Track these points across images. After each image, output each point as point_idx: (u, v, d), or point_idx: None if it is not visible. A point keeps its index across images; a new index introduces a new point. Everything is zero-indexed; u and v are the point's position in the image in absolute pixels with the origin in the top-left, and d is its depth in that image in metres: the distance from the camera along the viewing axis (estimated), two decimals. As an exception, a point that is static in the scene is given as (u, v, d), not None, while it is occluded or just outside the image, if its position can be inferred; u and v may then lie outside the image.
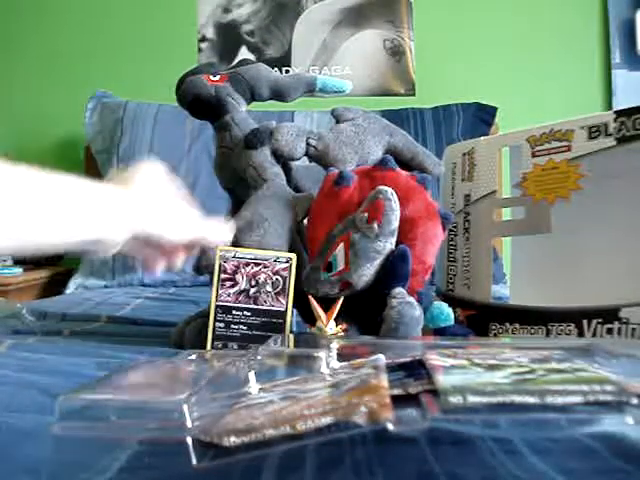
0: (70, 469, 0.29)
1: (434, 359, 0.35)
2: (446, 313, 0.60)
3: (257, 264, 0.58)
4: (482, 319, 0.66)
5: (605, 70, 1.92)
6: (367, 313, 0.57)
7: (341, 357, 0.38)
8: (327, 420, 0.27)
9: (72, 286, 1.39)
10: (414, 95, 1.93)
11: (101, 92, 1.73)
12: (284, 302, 0.58)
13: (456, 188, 0.72)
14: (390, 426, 0.26)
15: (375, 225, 0.56)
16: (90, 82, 1.81)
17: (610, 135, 0.59)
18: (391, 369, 0.35)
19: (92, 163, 1.73)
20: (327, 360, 0.36)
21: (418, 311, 0.55)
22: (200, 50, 1.94)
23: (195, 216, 0.56)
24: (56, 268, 1.63)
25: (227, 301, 0.58)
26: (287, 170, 0.71)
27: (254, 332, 0.58)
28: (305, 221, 0.66)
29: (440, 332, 0.59)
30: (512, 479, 0.27)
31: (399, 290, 0.56)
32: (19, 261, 1.56)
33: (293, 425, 0.27)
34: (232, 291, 0.58)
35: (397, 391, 0.31)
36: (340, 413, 0.27)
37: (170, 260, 0.58)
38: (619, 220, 0.59)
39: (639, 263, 0.57)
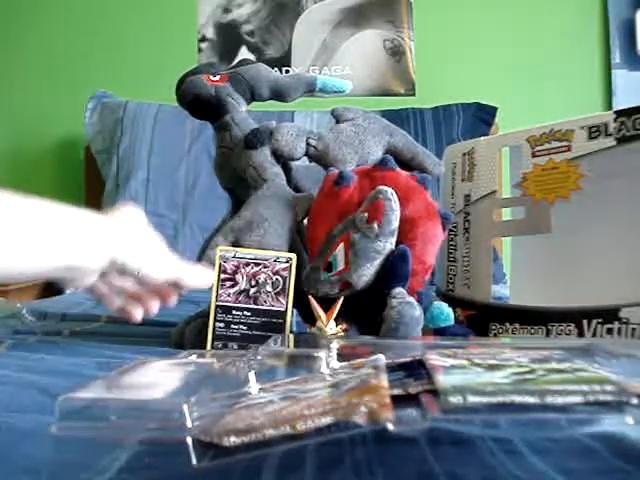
0: (70, 469, 0.29)
1: (434, 359, 0.35)
2: (446, 313, 0.60)
3: (257, 264, 0.58)
4: (482, 319, 0.66)
5: (605, 70, 1.92)
6: (367, 313, 0.57)
7: (341, 357, 0.38)
8: (327, 420, 0.27)
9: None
10: (414, 95, 1.93)
11: (101, 92, 1.73)
12: (284, 302, 0.58)
13: (456, 188, 0.72)
14: (390, 426, 0.26)
15: (375, 225, 0.56)
16: (90, 82, 1.81)
17: (610, 135, 0.59)
18: (391, 369, 0.35)
19: (92, 163, 1.74)
20: (327, 360, 0.36)
21: (418, 311, 0.56)
22: (200, 50, 1.94)
23: (174, 257, 0.54)
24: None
25: (227, 301, 0.58)
26: (287, 170, 0.71)
27: (254, 332, 0.58)
28: (305, 221, 0.66)
29: (440, 332, 0.59)
30: (512, 479, 0.27)
31: (399, 290, 0.56)
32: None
33: (293, 425, 0.27)
34: (232, 291, 0.58)
35: (397, 391, 0.31)
36: (340, 413, 0.27)
37: (145, 303, 0.55)
38: (619, 220, 0.59)
39: (639, 263, 0.57)
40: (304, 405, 0.29)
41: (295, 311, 0.64)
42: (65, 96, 1.88)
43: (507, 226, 0.69)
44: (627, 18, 1.92)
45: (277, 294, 0.58)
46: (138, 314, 0.56)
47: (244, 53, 1.94)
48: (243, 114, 0.72)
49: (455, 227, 0.71)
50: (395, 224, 0.57)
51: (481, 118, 1.70)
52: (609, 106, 1.89)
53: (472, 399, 0.26)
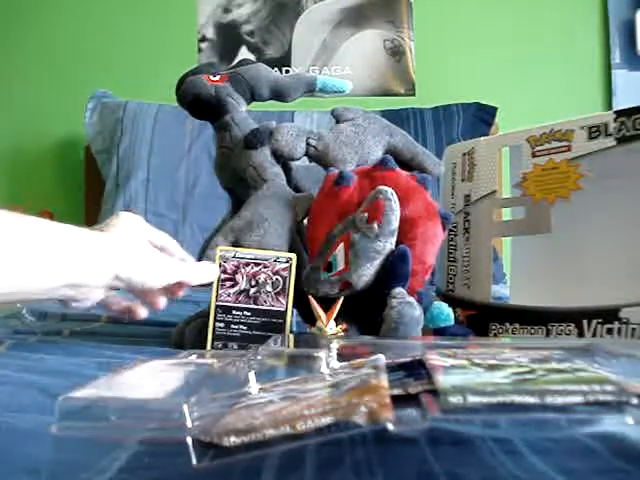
0: (70, 469, 0.29)
1: (434, 359, 0.35)
2: (446, 313, 0.60)
3: (257, 264, 0.58)
4: (482, 319, 0.66)
5: (605, 70, 1.92)
6: (367, 313, 0.57)
7: (341, 357, 0.38)
8: (327, 420, 0.27)
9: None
10: (414, 95, 1.93)
11: (101, 92, 1.73)
12: (284, 302, 0.58)
13: (456, 188, 0.72)
14: (390, 426, 0.26)
15: (375, 225, 0.56)
16: (90, 82, 1.81)
17: (610, 135, 0.59)
18: (391, 369, 0.35)
19: (92, 163, 1.74)
20: (327, 360, 0.36)
21: (418, 311, 0.56)
22: (200, 50, 1.94)
23: (176, 259, 0.55)
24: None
25: (227, 301, 0.58)
26: (287, 170, 0.71)
27: (254, 332, 0.58)
28: (305, 221, 0.66)
29: (440, 332, 0.59)
30: (512, 479, 0.27)
31: (399, 290, 0.56)
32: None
33: (293, 425, 0.27)
34: (232, 291, 0.58)
35: (397, 391, 0.31)
36: (340, 413, 0.27)
37: (152, 303, 0.57)
38: (619, 220, 0.59)
39: (639, 263, 0.57)
40: (304, 405, 0.29)
41: (295, 311, 0.64)
42: (65, 96, 1.88)
43: (507, 226, 0.69)
44: (627, 18, 1.92)
45: (277, 294, 0.58)
46: (143, 312, 0.58)
47: (244, 53, 1.94)
48: (243, 114, 0.72)
49: (455, 227, 0.71)
50: (395, 224, 0.57)
51: (481, 118, 1.70)
52: (609, 106, 1.89)
53: (472, 399, 0.26)
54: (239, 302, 0.58)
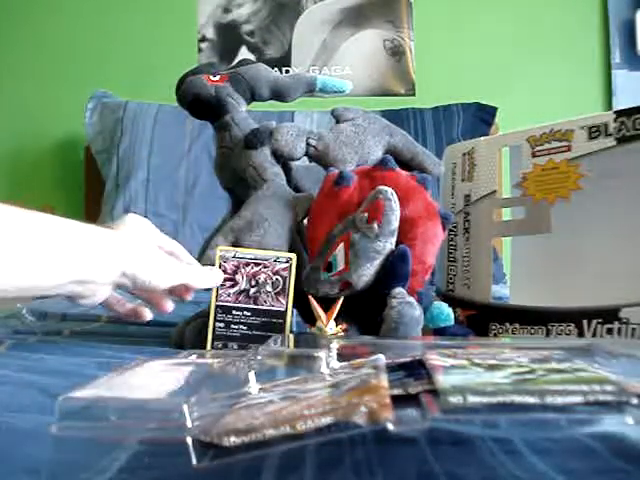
0: (70, 469, 0.29)
1: (434, 359, 0.35)
2: (446, 313, 0.60)
3: (257, 264, 0.58)
4: (482, 319, 0.66)
5: (605, 70, 1.92)
6: (367, 313, 0.57)
7: (341, 357, 0.38)
8: (327, 420, 0.27)
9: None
10: (414, 95, 1.93)
11: (101, 92, 1.73)
12: (284, 302, 0.58)
13: (456, 188, 0.72)
14: (390, 426, 0.26)
15: (375, 225, 0.56)
16: (90, 82, 1.81)
17: (610, 135, 0.59)
18: (391, 369, 0.35)
19: (92, 163, 1.74)
20: (327, 360, 0.36)
21: (418, 311, 0.56)
22: (200, 50, 1.94)
23: (182, 262, 0.56)
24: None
25: (227, 301, 0.58)
26: (287, 170, 0.71)
27: (254, 332, 0.58)
28: (305, 221, 0.66)
29: (440, 332, 0.59)
30: (512, 479, 0.27)
31: (399, 290, 0.56)
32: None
33: (293, 425, 0.27)
34: (232, 291, 0.58)
35: (397, 391, 0.31)
36: (340, 413, 0.27)
37: (158, 305, 0.58)
38: (619, 220, 0.59)
39: (639, 263, 0.57)
40: (304, 405, 0.29)
41: (295, 311, 0.64)
42: (65, 96, 1.88)
43: (507, 226, 0.69)
44: (627, 18, 1.92)
45: (277, 294, 0.58)
46: (148, 314, 0.58)
47: (244, 53, 1.94)
48: (243, 114, 0.72)
49: (455, 227, 0.71)
50: (395, 224, 0.57)
51: (481, 118, 1.70)
52: (609, 106, 1.89)
53: (472, 399, 0.26)
54: (239, 302, 0.58)
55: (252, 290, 0.58)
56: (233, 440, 0.27)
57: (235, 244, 0.62)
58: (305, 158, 0.69)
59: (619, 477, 0.28)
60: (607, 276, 0.59)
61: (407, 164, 0.68)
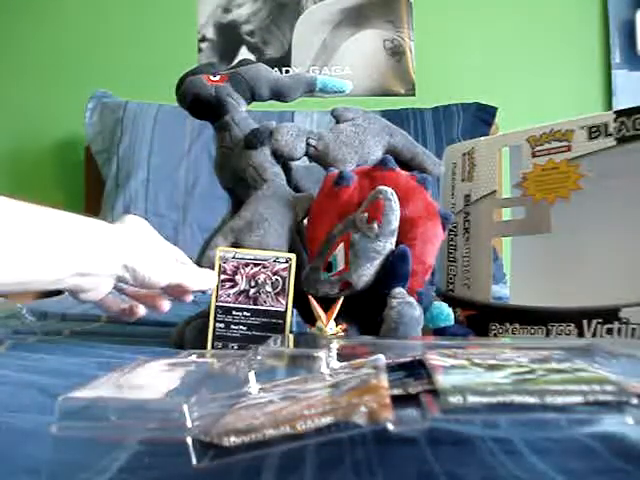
0: (70, 469, 0.29)
1: (434, 359, 0.35)
2: (446, 313, 0.60)
3: (257, 264, 0.58)
4: (482, 319, 0.66)
5: (605, 70, 1.92)
6: (367, 313, 0.57)
7: (341, 357, 0.38)
8: (327, 420, 0.27)
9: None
10: (414, 95, 1.93)
11: (101, 92, 1.73)
12: (284, 302, 0.58)
13: (456, 188, 0.72)
14: (390, 426, 0.26)
15: (375, 225, 0.56)
16: (90, 82, 1.81)
17: (610, 135, 0.59)
18: (391, 369, 0.35)
19: (92, 163, 1.74)
20: (327, 360, 0.36)
21: (418, 311, 0.56)
22: (200, 50, 1.94)
23: (180, 263, 0.56)
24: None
25: (227, 302, 0.58)
26: (287, 170, 0.71)
27: (254, 332, 0.58)
28: (305, 221, 0.66)
29: (440, 332, 0.59)
30: (512, 479, 0.27)
31: (399, 290, 0.56)
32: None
33: (293, 425, 0.27)
34: (232, 292, 0.58)
35: (397, 391, 0.31)
36: (340, 413, 0.27)
37: (155, 306, 0.58)
38: (619, 220, 0.59)
39: (639, 263, 0.57)
40: (304, 405, 0.29)
41: (295, 311, 0.64)
42: (65, 96, 1.88)
43: (507, 226, 0.69)
44: (627, 18, 1.92)
45: (277, 294, 0.58)
46: (141, 309, 0.58)
47: (244, 53, 1.94)
48: (243, 114, 0.72)
49: (455, 227, 0.71)
50: (395, 224, 0.57)
51: (481, 118, 1.70)
52: (609, 106, 1.89)
53: (472, 399, 0.26)
54: (239, 303, 0.58)
55: (252, 290, 0.58)
56: (233, 440, 0.27)
57: (235, 244, 0.62)
58: (305, 158, 0.69)
59: (619, 477, 0.28)
60: (607, 276, 0.59)
61: (407, 164, 0.68)
